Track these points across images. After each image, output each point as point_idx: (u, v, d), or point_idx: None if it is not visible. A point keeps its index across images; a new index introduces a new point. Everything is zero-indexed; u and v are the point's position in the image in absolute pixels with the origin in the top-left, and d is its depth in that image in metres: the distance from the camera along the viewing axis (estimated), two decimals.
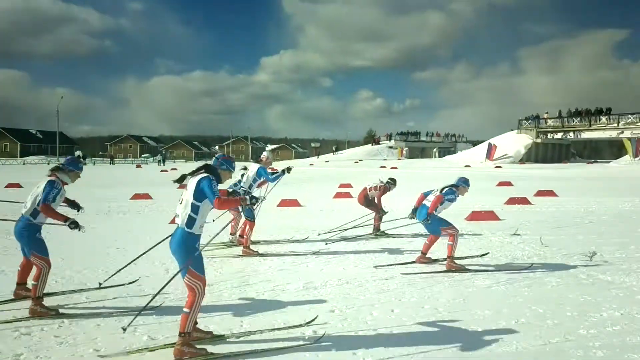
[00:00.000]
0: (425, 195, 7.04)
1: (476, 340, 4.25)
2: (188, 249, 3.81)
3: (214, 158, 4.30)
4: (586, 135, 47.37)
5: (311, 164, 49.92)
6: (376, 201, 9.59)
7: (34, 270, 4.90)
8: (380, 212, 9.55)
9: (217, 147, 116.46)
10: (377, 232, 9.49)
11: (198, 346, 3.88)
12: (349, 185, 20.75)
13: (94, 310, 4.98)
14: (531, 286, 5.95)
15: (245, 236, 7.84)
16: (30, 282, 4.97)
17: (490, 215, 11.52)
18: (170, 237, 3.94)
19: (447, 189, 6.87)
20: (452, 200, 6.86)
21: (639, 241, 8.55)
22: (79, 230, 4.81)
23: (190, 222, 3.80)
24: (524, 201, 14.61)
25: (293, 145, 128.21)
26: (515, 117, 57.09)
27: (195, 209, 3.80)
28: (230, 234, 8.39)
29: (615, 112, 44.85)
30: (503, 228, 10.05)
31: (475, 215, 11.51)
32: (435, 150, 65.68)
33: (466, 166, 40.12)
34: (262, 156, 8.44)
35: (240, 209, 7.82)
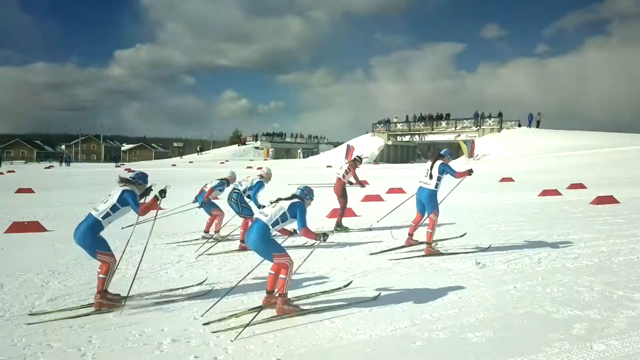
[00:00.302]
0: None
1: (332, 332, 4.44)
2: (265, 239, 4.91)
3: (299, 190, 5.23)
4: (429, 138, 52.68)
5: (173, 165, 47.85)
6: (352, 180, 10.00)
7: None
8: (360, 184, 10.14)
9: (63, 147, 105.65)
10: (338, 228, 9.80)
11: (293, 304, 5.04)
12: None
13: None
14: (383, 276, 6.41)
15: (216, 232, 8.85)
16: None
17: (348, 212, 12.12)
18: (246, 234, 5.10)
19: (439, 166, 7.63)
20: (448, 172, 7.64)
21: (473, 231, 9.66)
22: (167, 189, 5.49)
23: (275, 223, 4.99)
24: (378, 198, 15.69)
25: (153, 145, 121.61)
26: (370, 121, 61.39)
27: (284, 218, 5.02)
28: (215, 231, 8.90)
29: (453, 118, 50.71)
30: (359, 223, 10.66)
31: (334, 213, 12.03)
32: (299, 151, 67.43)
33: (328, 166, 41.81)
34: (262, 172, 8.88)
35: (238, 210, 8.52)
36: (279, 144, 70.20)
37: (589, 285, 5.82)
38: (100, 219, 5.06)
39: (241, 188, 8.58)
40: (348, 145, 51.55)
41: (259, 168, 37.68)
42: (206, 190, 8.95)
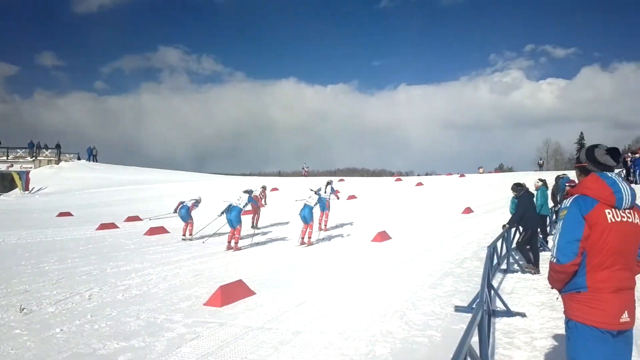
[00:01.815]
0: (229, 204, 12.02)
1: None
2: (311, 213, 12.58)
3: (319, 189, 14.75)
4: None
5: None
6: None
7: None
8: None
9: None
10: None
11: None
12: None
13: None
14: None
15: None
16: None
17: None
18: (301, 213, 12.26)
19: (247, 196, 12.34)
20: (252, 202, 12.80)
21: (20, 274, 8.66)
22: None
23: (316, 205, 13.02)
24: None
25: None
26: None
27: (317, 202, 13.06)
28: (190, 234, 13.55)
29: (4, 145, 44.48)
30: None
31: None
32: None
33: None
34: (257, 190, 16.27)
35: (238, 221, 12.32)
36: None
37: (136, 315, 6.21)
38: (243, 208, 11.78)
39: (241, 205, 12.12)
40: None
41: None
42: (189, 205, 13.70)
